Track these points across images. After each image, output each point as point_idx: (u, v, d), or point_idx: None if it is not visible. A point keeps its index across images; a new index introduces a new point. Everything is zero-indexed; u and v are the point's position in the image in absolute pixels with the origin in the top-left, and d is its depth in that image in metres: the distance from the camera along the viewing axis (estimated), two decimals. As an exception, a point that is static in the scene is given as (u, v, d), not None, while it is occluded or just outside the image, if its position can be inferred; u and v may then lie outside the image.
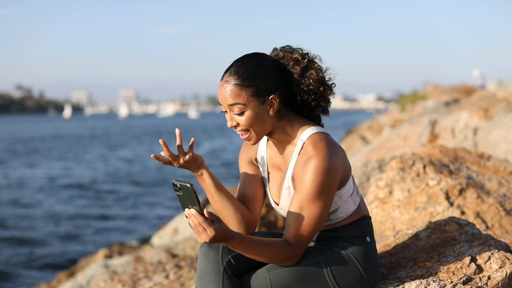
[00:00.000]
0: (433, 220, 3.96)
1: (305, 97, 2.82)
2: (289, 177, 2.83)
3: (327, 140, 2.76)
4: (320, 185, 2.66)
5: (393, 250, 3.48)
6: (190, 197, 2.52)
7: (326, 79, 2.85)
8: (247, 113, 2.72)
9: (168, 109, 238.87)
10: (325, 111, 2.89)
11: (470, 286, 2.80)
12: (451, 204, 4.46)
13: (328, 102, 2.89)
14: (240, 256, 2.78)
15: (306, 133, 2.80)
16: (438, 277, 2.95)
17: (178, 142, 2.84)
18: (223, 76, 2.77)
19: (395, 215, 4.54)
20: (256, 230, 3.04)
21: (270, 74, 2.75)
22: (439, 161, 4.95)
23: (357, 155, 10.73)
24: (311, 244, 2.94)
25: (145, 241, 13.19)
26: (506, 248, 3.24)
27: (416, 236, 3.53)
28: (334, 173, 2.70)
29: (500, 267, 2.95)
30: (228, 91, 2.72)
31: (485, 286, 2.84)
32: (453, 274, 2.96)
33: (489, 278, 2.90)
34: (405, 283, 2.93)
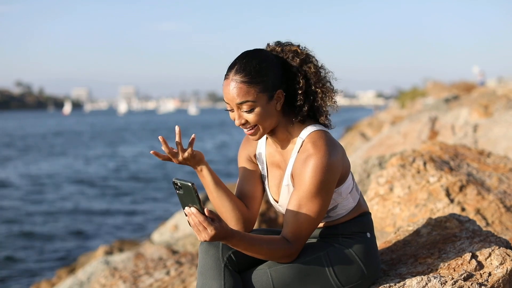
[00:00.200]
0: (434, 216, 3.97)
1: (301, 91, 2.82)
2: (288, 174, 2.84)
3: (326, 138, 2.76)
4: (319, 183, 2.67)
5: (394, 246, 3.49)
6: (190, 196, 2.52)
7: (322, 75, 2.86)
8: (257, 110, 2.72)
9: (169, 106, 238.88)
10: (322, 107, 2.89)
11: (470, 283, 2.81)
12: (452, 200, 4.47)
13: (323, 98, 2.88)
14: (240, 252, 2.78)
15: (306, 131, 2.81)
16: (439, 274, 2.96)
17: (177, 139, 2.85)
18: (227, 75, 2.75)
19: (396, 212, 4.55)
20: (256, 227, 3.06)
21: (275, 69, 2.76)
22: (439, 158, 4.96)
23: (357, 152, 10.73)
24: (312, 240, 2.95)
25: (145, 237, 13.19)
26: (506, 244, 3.25)
27: (417, 233, 3.54)
28: (333, 171, 2.71)
29: (501, 264, 2.96)
30: (236, 89, 2.70)
31: (485, 282, 2.85)
32: (454, 270, 2.97)
33: (489, 274, 2.91)
34: (406, 280, 2.94)
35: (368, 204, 4.59)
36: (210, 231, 2.51)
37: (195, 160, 2.91)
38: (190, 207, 2.53)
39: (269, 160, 3.00)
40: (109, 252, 9.39)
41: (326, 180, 2.68)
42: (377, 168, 6.17)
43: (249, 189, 3.02)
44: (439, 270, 3.02)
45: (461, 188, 4.55)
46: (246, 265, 2.83)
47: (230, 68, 2.76)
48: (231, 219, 2.93)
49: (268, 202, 7.10)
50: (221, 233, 2.54)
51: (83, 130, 78.28)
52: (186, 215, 2.55)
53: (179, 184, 2.54)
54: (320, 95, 2.85)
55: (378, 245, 3.34)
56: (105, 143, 52.88)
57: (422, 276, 2.89)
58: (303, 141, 2.79)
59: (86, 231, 16.55)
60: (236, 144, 48.46)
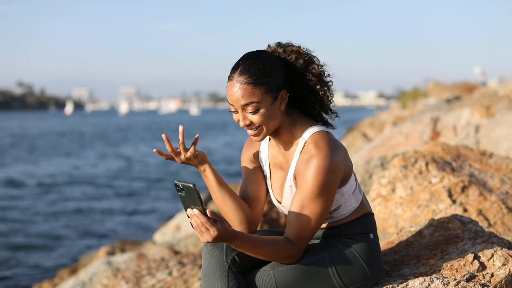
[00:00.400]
0: (436, 217, 3.98)
1: (305, 91, 2.84)
2: (291, 175, 2.85)
3: (328, 139, 2.77)
4: (321, 184, 2.68)
5: (396, 247, 3.50)
6: (192, 197, 2.52)
7: (325, 75, 2.88)
8: (261, 111, 2.73)
9: (171, 106, 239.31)
10: (325, 107, 2.90)
11: (473, 284, 2.82)
12: (454, 201, 4.48)
13: (326, 98, 2.90)
14: (244, 254, 2.79)
15: (308, 132, 2.82)
16: (442, 274, 2.96)
17: (180, 139, 2.86)
18: (231, 76, 2.75)
19: (398, 213, 4.56)
20: (258, 227, 3.06)
21: (279, 69, 2.77)
22: (441, 159, 4.96)
23: (359, 153, 10.74)
24: (315, 241, 2.96)
25: (147, 238, 13.20)
26: (509, 245, 3.26)
27: (419, 234, 3.55)
28: (335, 172, 2.72)
29: (503, 265, 2.97)
30: (241, 91, 2.71)
31: (488, 283, 2.86)
32: (457, 271, 2.98)
33: (492, 275, 2.91)
34: (409, 280, 2.94)
35: (370, 204, 4.59)
36: (213, 232, 2.51)
37: (197, 160, 2.92)
38: (192, 208, 2.54)
39: (272, 161, 3.01)
40: (111, 253, 9.39)
41: (329, 181, 2.69)
42: (379, 169, 6.18)
43: (253, 190, 3.02)
44: (441, 271, 3.03)
45: (463, 189, 4.56)
46: (250, 266, 2.84)
47: (234, 69, 2.76)
48: (234, 220, 2.94)
49: (270, 202, 7.10)
50: (224, 234, 2.54)
51: (86, 130, 78.32)
52: (189, 217, 2.55)
53: (181, 185, 2.54)
54: (322, 96, 2.87)
55: (380, 245, 3.35)
56: (108, 143, 52.93)
57: (425, 277, 2.90)
58: (305, 142, 2.79)
59: (88, 231, 16.55)
60: (237, 144, 48.49)
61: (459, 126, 9.82)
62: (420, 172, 4.75)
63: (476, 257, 3.05)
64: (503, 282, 2.87)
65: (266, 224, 7.56)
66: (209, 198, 10.19)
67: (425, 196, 4.55)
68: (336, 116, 2.97)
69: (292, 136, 2.86)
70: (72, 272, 9.93)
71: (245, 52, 2.84)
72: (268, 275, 2.78)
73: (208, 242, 2.54)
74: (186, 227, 9.96)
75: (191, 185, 2.49)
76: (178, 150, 2.89)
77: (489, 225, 4.30)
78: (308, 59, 2.84)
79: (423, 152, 5.11)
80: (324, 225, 2.96)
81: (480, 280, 2.87)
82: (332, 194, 2.73)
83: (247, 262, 2.82)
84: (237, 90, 2.72)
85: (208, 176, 2.94)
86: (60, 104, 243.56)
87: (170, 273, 5.79)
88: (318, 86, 2.84)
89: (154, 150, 2.88)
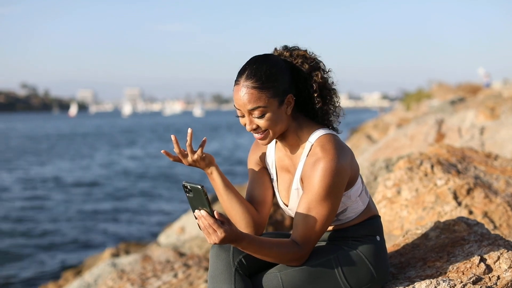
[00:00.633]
0: (441, 219, 3.98)
1: (311, 95, 2.85)
2: (298, 178, 2.85)
3: (335, 141, 2.78)
4: (328, 187, 2.68)
5: (402, 249, 3.50)
6: (200, 199, 2.53)
7: (330, 80, 2.88)
8: (268, 115, 2.73)
9: (175, 107, 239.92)
10: (329, 112, 2.91)
11: (479, 286, 2.82)
12: (459, 203, 4.48)
13: (330, 103, 2.90)
14: (251, 256, 2.80)
15: (315, 135, 2.82)
16: (448, 277, 2.96)
17: (188, 141, 2.86)
18: (238, 80, 2.76)
19: (403, 215, 4.56)
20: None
21: (285, 73, 2.77)
22: (446, 161, 4.96)
23: (364, 155, 10.74)
24: (322, 243, 2.97)
25: (151, 239, 13.21)
26: (515, 247, 3.26)
27: (425, 236, 3.55)
28: (342, 175, 2.72)
29: (510, 267, 2.96)
30: (247, 95, 2.71)
31: (494, 286, 2.86)
32: (463, 274, 2.98)
33: (498, 278, 2.91)
34: (415, 283, 2.94)
35: (376, 207, 4.60)
36: (220, 233, 2.52)
37: (204, 162, 2.93)
38: (200, 210, 2.55)
39: (278, 164, 3.01)
40: (116, 255, 9.40)
41: (335, 183, 2.70)
42: (384, 171, 6.18)
43: (259, 193, 3.03)
44: (448, 274, 3.03)
45: (469, 191, 4.56)
46: (257, 269, 2.85)
47: (241, 74, 2.76)
48: (241, 223, 2.95)
49: (274, 204, 7.11)
50: (231, 236, 2.55)
51: (91, 132, 78.37)
52: (196, 218, 2.56)
53: (189, 187, 2.55)
54: (328, 100, 2.88)
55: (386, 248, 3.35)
56: (113, 145, 52.97)
57: (431, 280, 2.90)
58: (312, 145, 2.80)
59: (92, 233, 16.57)
60: (241, 145, 48.50)
61: (463, 128, 9.82)
62: (426, 174, 4.75)
63: (482, 260, 3.05)
64: (509, 284, 2.87)
65: (270, 226, 7.56)
66: (215, 199, 10.18)
67: (431, 198, 4.55)
68: (338, 118, 2.97)
69: (298, 139, 2.87)
70: (77, 274, 9.95)
71: (252, 56, 2.84)
72: (275, 277, 2.79)
73: (215, 243, 2.54)
74: (190, 229, 9.97)
75: (199, 187, 2.49)
76: (186, 152, 2.90)
77: (495, 227, 4.30)
78: (313, 64, 2.85)
79: (428, 154, 5.11)
80: (330, 228, 2.96)
81: (487, 283, 2.87)
82: (338, 196, 2.73)
83: (254, 264, 2.83)
84: (243, 95, 2.73)
85: (215, 179, 2.95)
86: (64, 105, 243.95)
87: (175, 275, 5.79)
88: (323, 91, 2.85)
89: (162, 151, 2.90)
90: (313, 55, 2.88)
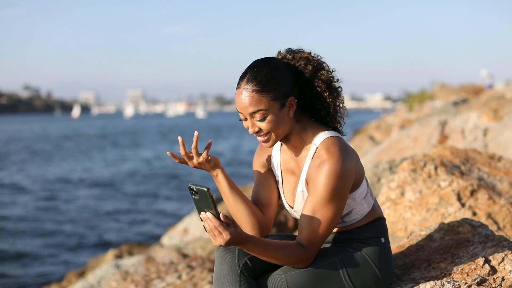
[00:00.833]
0: (445, 221, 3.99)
1: (314, 97, 2.86)
2: (303, 181, 2.86)
3: (340, 144, 2.78)
4: (333, 189, 2.69)
5: (407, 251, 3.50)
6: (206, 201, 2.54)
7: (334, 81, 2.89)
8: (269, 118, 2.74)
9: (179, 109, 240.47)
10: (334, 113, 2.92)
11: (484, 287, 2.82)
12: (463, 205, 4.48)
13: (335, 104, 2.91)
14: (256, 258, 2.81)
15: (320, 137, 2.83)
16: (453, 278, 2.97)
17: (193, 143, 2.87)
18: (239, 84, 2.78)
19: (407, 216, 4.56)
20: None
21: (286, 76, 2.78)
22: (450, 162, 4.97)
23: (367, 156, 10.74)
24: (327, 245, 2.98)
25: (153, 241, 13.21)
26: (519, 249, 3.26)
27: (429, 238, 3.55)
28: (347, 177, 2.73)
29: (514, 269, 2.97)
30: (248, 98, 2.73)
31: (499, 287, 2.86)
32: (467, 275, 2.98)
33: (503, 279, 2.91)
34: (420, 284, 2.95)
35: (380, 208, 4.60)
36: (226, 235, 2.53)
37: (210, 165, 2.93)
38: (205, 212, 2.56)
39: (283, 166, 3.02)
40: (119, 256, 9.39)
41: (340, 186, 2.70)
42: (387, 172, 6.18)
43: (264, 195, 3.04)
44: (452, 275, 3.03)
45: (472, 192, 4.56)
46: (262, 270, 2.86)
47: (242, 77, 2.78)
48: (246, 225, 2.95)
49: (279, 206, 7.11)
50: (236, 238, 2.56)
51: (95, 133, 78.48)
52: (202, 220, 2.57)
53: (195, 189, 2.56)
54: (332, 101, 2.88)
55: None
56: (117, 146, 53.03)
57: (436, 281, 2.90)
58: (317, 148, 2.80)
59: (95, 234, 16.58)
60: (244, 147, 48.51)
61: (467, 130, 9.81)
62: (429, 176, 4.75)
63: (487, 261, 3.05)
64: (514, 286, 2.87)
65: (274, 227, 7.57)
66: (219, 198, 10.18)
67: (434, 199, 4.55)
68: (343, 120, 2.98)
69: (303, 141, 2.88)
70: (80, 275, 9.95)
71: (254, 60, 2.85)
72: (280, 279, 2.79)
73: (221, 245, 2.55)
74: (194, 230, 9.97)
75: (205, 189, 2.50)
76: (191, 154, 2.91)
77: (499, 228, 4.30)
78: (317, 66, 2.86)
79: (432, 155, 5.11)
80: (335, 229, 2.97)
81: (491, 284, 2.88)
82: (343, 199, 2.74)
83: (259, 266, 2.83)
84: (244, 98, 2.74)
85: (221, 181, 2.96)
86: (66, 107, 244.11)
87: (179, 277, 5.80)
88: (327, 93, 2.85)
89: (168, 153, 2.92)
90: (317, 57, 2.89)
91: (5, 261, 13.87)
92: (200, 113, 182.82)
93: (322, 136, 2.82)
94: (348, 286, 2.82)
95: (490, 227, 3.91)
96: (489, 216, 4.39)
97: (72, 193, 24.29)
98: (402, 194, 4.71)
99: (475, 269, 3.01)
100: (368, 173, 6.29)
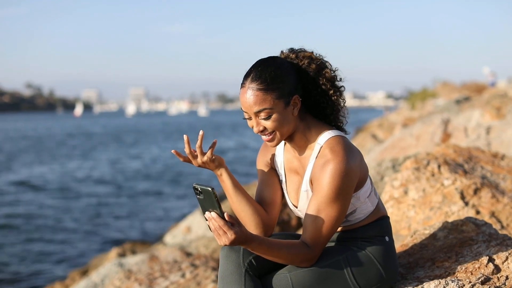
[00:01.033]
0: (448, 219, 3.99)
1: (318, 96, 2.86)
2: (307, 180, 2.87)
3: (344, 143, 2.79)
4: (337, 188, 2.70)
5: (411, 250, 3.51)
6: (210, 201, 2.55)
7: (337, 80, 2.90)
8: (274, 116, 2.75)
9: (182, 107, 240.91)
10: (337, 112, 2.93)
11: (488, 286, 2.83)
12: (466, 203, 4.48)
13: (338, 103, 2.92)
14: (261, 257, 2.81)
15: (324, 137, 2.83)
16: (457, 277, 2.97)
17: (198, 142, 2.88)
18: (243, 83, 2.79)
19: (410, 215, 4.57)
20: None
21: (290, 75, 2.79)
22: (453, 161, 4.97)
23: (370, 154, 10.74)
24: (331, 244, 2.98)
25: (157, 239, 13.22)
26: (523, 248, 3.26)
27: (433, 236, 3.56)
28: (351, 176, 2.73)
29: (518, 267, 2.97)
30: (253, 97, 2.74)
31: (503, 286, 2.86)
32: (471, 274, 2.99)
33: (507, 278, 2.92)
34: (424, 283, 2.96)
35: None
36: (230, 235, 2.54)
37: (214, 164, 2.94)
38: (210, 211, 2.57)
39: (287, 166, 3.03)
40: (122, 254, 9.41)
41: (344, 185, 2.71)
42: (390, 171, 6.18)
43: (268, 194, 3.04)
44: (456, 274, 3.04)
45: (476, 191, 4.56)
46: (267, 269, 2.87)
47: (246, 77, 2.79)
48: (250, 224, 2.96)
49: (283, 205, 7.12)
50: (241, 238, 2.57)
51: (99, 132, 78.58)
52: (207, 220, 2.58)
53: (199, 189, 2.57)
54: (336, 100, 2.89)
55: (395, 248, 3.36)
56: (121, 144, 53.09)
57: (440, 280, 2.91)
58: (321, 147, 2.81)
59: (97, 232, 16.60)
60: (247, 145, 48.53)
61: (469, 128, 9.81)
62: (433, 174, 4.75)
63: (491, 260, 3.06)
64: (518, 284, 2.88)
65: (277, 226, 7.57)
66: (223, 196, 10.20)
67: (438, 198, 4.55)
68: (345, 119, 2.99)
69: (307, 140, 2.88)
70: (83, 274, 9.95)
71: (257, 59, 2.86)
72: (285, 278, 2.80)
73: (225, 245, 2.56)
74: (197, 228, 9.98)
75: (210, 189, 2.51)
76: (196, 153, 2.91)
77: (502, 227, 4.30)
78: (320, 64, 2.87)
79: (435, 154, 5.12)
80: (340, 228, 2.98)
81: (495, 283, 2.88)
82: (348, 198, 2.75)
83: (263, 265, 2.84)
84: (249, 97, 2.75)
85: (225, 180, 2.97)
86: (68, 105, 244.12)
87: (183, 275, 5.80)
88: (332, 91, 2.87)
89: (172, 151, 2.92)
90: (319, 56, 2.90)
91: (8, 259, 13.89)
92: (202, 111, 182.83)
93: (326, 136, 2.83)
94: (352, 285, 2.83)
95: (493, 226, 3.92)
96: (492, 214, 4.40)
97: (75, 191, 24.32)
98: (406, 192, 4.71)
99: (479, 268, 3.02)
100: (371, 172, 6.29)
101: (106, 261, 9.38)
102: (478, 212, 4.41)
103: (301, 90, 2.84)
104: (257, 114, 2.77)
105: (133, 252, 9.64)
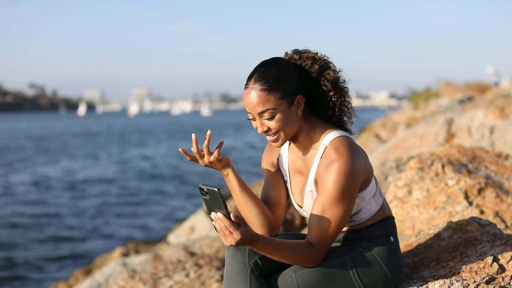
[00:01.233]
0: (453, 219, 3.99)
1: (321, 97, 2.87)
2: (312, 181, 2.87)
3: (348, 143, 2.80)
4: (342, 189, 2.71)
5: (415, 250, 3.52)
6: (217, 201, 2.56)
7: (340, 80, 2.91)
8: (278, 117, 2.76)
9: (185, 106, 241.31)
10: (341, 113, 2.94)
11: (493, 286, 2.83)
12: (470, 203, 4.49)
13: (341, 103, 2.93)
14: (266, 257, 2.82)
15: (328, 137, 2.84)
16: (461, 277, 2.98)
17: (205, 142, 2.89)
18: (247, 84, 2.80)
19: (415, 215, 4.57)
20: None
21: (294, 75, 2.80)
22: (457, 161, 4.97)
23: (373, 154, 10.74)
24: (336, 244, 2.99)
25: (160, 239, 13.24)
26: (527, 248, 3.27)
27: (438, 236, 3.57)
28: (356, 177, 2.74)
29: (523, 267, 2.98)
30: (256, 98, 2.75)
31: (507, 286, 2.87)
32: (476, 273, 2.99)
33: (511, 278, 2.92)
34: (429, 283, 2.96)
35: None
36: (236, 236, 2.55)
37: (221, 164, 2.95)
38: (216, 212, 2.58)
39: (291, 166, 3.04)
40: (126, 254, 9.42)
41: (349, 185, 2.72)
42: (394, 171, 6.19)
43: (274, 194, 3.05)
44: (461, 273, 3.04)
45: (480, 191, 4.57)
46: (272, 269, 2.88)
47: (250, 78, 2.81)
48: (256, 224, 2.97)
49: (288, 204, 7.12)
50: (247, 238, 2.58)
51: (103, 131, 78.71)
52: (212, 220, 2.59)
53: (205, 189, 2.58)
54: (339, 100, 2.90)
55: (399, 248, 3.36)
56: (124, 144, 53.15)
57: (445, 279, 2.91)
58: (325, 147, 2.82)
59: (101, 232, 16.62)
60: (252, 144, 48.54)
61: (473, 128, 9.80)
62: (437, 174, 4.76)
63: (495, 260, 3.06)
64: (522, 284, 2.88)
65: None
66: (227, 196, 10.21)
67: (442, 198, 4.56)
68: (351, 119, 3.00)
69: (311, 141, 2.89)
70: (87, 273, 9.98)
71: (261, 60, 2.88)
72: (290, 277, 2.81)
73: (231, 245, 2.57)
74: (200, 228, 10.00)
75: (216, 189, 2.52)
76: (203, 152, 2.92)
77: (506, 227, 4.30)
78: (323, 65, 2.88)
79: (439, 154, 5.12)
80: (345, 229, 2.99)
81: (500, 283, 2.89)
82: (352, 198, 2.76)
83: (269, 265, 2.85)
84: (252, 98, 2.76)
85: (231, 180, 2.98)
86: (71, 105, 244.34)
87: (187, 275, 5.81)
88: (332, 92, 2.87)
89: (180, 149, 2.93)
90: (323, 57, 2.91)
91: (13, 258, 13.92)
92: (205, 111, 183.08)
93: (331, 136, 2.84)
94: (357, 285, 2.84)
95: (498, 226, 3.92)
96: (496, 214, 4.40)
97: (79, 191, 24.36)
98: (410, 192, 4.72)
99: (483, 267, 3.02)
100: (375, 172, 6.30)
101: (110, 261, 9.40)
102: (482, 212, 4.41)
103: (304, 90, 2.84)
104: (261, 114, 2.78)
105: (137, 252, 9.66)
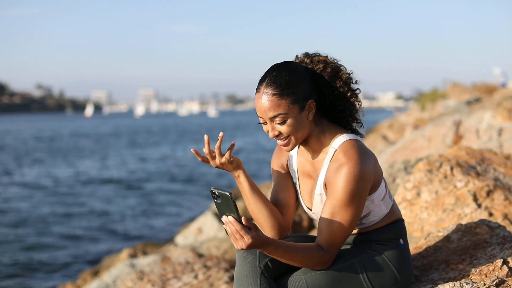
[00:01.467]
0: (461, 221, 3.99)
1: (333, 100, 2.88)
2: (321, 184, 2.88)
3: (358, 147, 2.80)
4: (352, 192, 2.71)
5: (425, 252, 3.52)
6: (228, 205, 2.57)
7: (353, 82, 2.91)
8: (289, 121, 2.76)
9: (193, 107, 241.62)
10: (353, 115, 2.94)
11: (503, 289, 2.84)
12: (479, 205, 4.48)
13: (354, 106, 2.93)
14: (276, 259, 2.83)
15: (338, 140, 2.85)
16: (471, 280, 2.98)
17: (217, 143, 2.90)
18: (258, 88, 2.80)
19: (423, 217, 4.57)
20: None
21: (305, 79, 2.80)
22: (466, 163, 4.97)
23: (381, 156, 10.72)
24: (346, 247, 3.00)
25: (167, 240, 13.24)
26: (537, 250, 3.26)
27: (447, 239, 3.56)
28: (365, 180, 2.75)
29: (532, 270, 2.97)
30: (268, 103, 2.75)
31: (517, 288, 2.87)
32: (486, 276, 2.99)
33: (521, 280, 2.92)
34: (438, 285, 2.97)
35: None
36: (247, 239, 2.56)
37: (232, 165, 2.96)
38: (227, 216, 2.59)
39: (300, 169, 3.04)
40: (133, 255, 9.43)
41: (359, 188, 2.73)
42: (402, 173, 6.18)
43: (283, 197, 3.06)
44: (471, 276, 3.04)
45: (488, 193, 4.56)
46: (282, 272, 2.89)
47: (261, 82, 2.81)
48: (266, 226, 2.98)
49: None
50: (258, 242, 2.59)
51: (110, 132, 78.83)
52: (224, 224, 2.60)
53: (217, 193, 2.59)
54: (351, 104, 2.91)
55: (409, 250, 3.36)
56: (133, 145, 53.22)
57: (454, 282, 2.92)
58: (335, 151, 2.82)
59: (108, 233, 16.63)
60: (259, 145, 48.53)
61: (481, 129, 9.78)
62: (445, 176, 4.76)
63: (505, 262, 3.06)
64: (532, 287, 2.88)
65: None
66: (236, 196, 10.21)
67: (450, 200, 4.56)
68: (361, 126, 3.01)
69: (321, 144, 2.90)
70: (95, 275, 9.99)
71: (272, 64, 2.88)
72: (300, 280, 2.82)
73: (242, 249, 2.58)
74: (208, 230, 10.00)
75: (227, 193, 2.53)
76: (214, 154, 2.93)
77: (515, 229, 4.30)
78: (335, 68, 2.88)
79: (448, 156, 5.12)
80: (354, 231, 3.00)
81: (510, 285, 2.88)
82: (362, 201, 2.76)
83: (279, 268, 2.86)
84: (264, 102, 2.77)
85: (242, 182, 2.99)
86: (78, 106, 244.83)
87: (196, 276, 5.82)
88: (349, 94, 2.88)
89: (191, 149, 2.94)
90: (334, 59, 2.91)
91: (20, 259, 13.94)
92: (212, 112, 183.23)
93: (341, 139, 2.84)
94: (367, 287, 2.84)
95: (507, 228, 3.92)
96: (505, 216, 4.39)
97: (86, 191, 24.40)
98: (418, 194, 4.72)
99: (493, 270, 3.02)
100: (383, 174, 6.29)
101: (117, 262, 9.41)
102: (491, 214, 4.41)
103: (316, 94, 2.85)
104: (272, 119, 2.78)
105: (144, 253, 9.66)
